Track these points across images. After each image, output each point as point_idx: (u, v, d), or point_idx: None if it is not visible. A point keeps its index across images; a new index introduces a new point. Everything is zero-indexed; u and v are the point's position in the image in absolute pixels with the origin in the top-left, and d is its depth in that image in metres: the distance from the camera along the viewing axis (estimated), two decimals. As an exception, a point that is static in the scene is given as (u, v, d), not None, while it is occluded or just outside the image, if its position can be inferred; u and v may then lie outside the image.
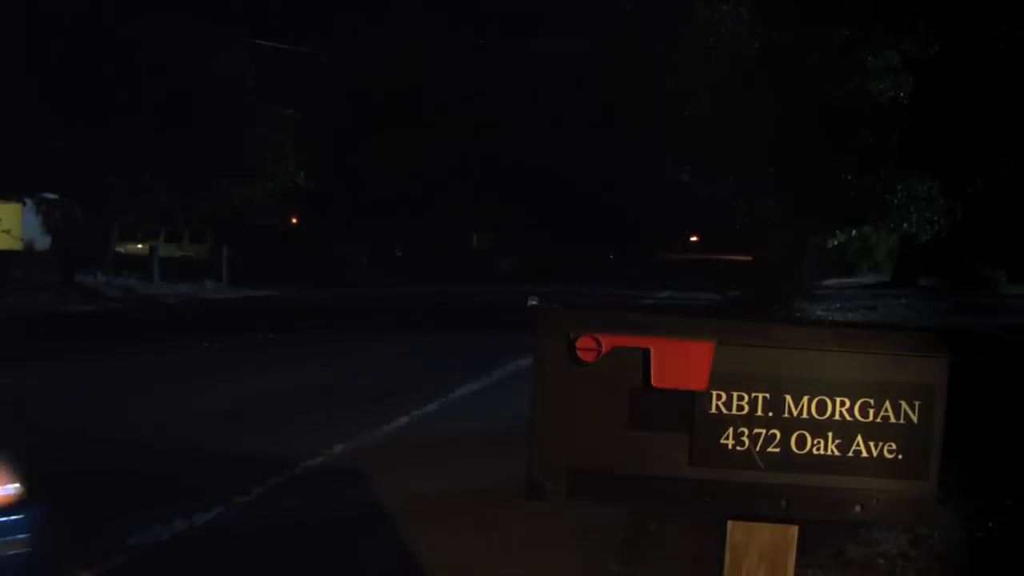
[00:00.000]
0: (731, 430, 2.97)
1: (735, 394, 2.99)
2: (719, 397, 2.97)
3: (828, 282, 32.67)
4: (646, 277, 32.72)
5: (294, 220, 37.99)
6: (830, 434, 3.72)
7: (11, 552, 3.10)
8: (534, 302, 3.05)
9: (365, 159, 33.47)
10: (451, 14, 30.21)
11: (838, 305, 23.11)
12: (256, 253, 32.99)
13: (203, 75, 25.10)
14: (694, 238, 46.38)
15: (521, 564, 5.44)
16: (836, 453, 3.81)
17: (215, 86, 25.38)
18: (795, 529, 3.03)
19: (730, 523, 2.97)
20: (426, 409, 9.67)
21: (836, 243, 27.69)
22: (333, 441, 7.98)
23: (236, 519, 6.12)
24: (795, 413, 3.20)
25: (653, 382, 2.85)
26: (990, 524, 5.73)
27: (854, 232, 26.50)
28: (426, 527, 5.90)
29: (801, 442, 3.18)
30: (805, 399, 3.68)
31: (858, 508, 3.35)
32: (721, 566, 2.84)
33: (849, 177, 23.39)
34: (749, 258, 28.05)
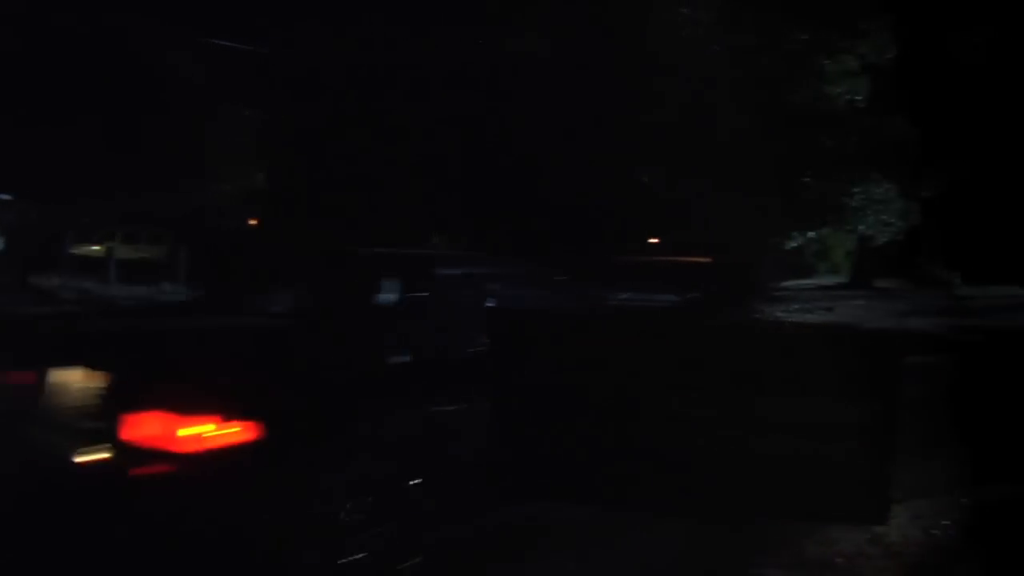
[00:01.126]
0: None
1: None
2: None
3: (787, 283, 32.91)
4: (606, 279, 32.80)
5: (252, 221, 37.70)
6: (787, 432, 3.76)
7: None
8: (491, 304, 3.07)
9: (326, 160, 33.31)
10: (417, 14, 30.13)
11: (796, 306, 23.28)
12: (215, 255, 32.69)
13: (161, 75, 24.88)
14: (654, 240, 46.67)
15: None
16: (792, 451, 3.86)
17: (174, 86, 25.16)
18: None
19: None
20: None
21: (795, 245, 27.92)
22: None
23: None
24: (755, 411, 3.25)
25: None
26: (946, 522, 5.81)
27: (812, 234, 26.73)
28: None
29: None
30: (766, 398, 3.73)
31: (813, 505, 3.40)
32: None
33: (807, 180, 23.61)
34: (709, 260, 28.16)
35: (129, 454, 4.01)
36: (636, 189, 26.26)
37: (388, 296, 5.28)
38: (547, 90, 25.08)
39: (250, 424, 4.14)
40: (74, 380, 4.51)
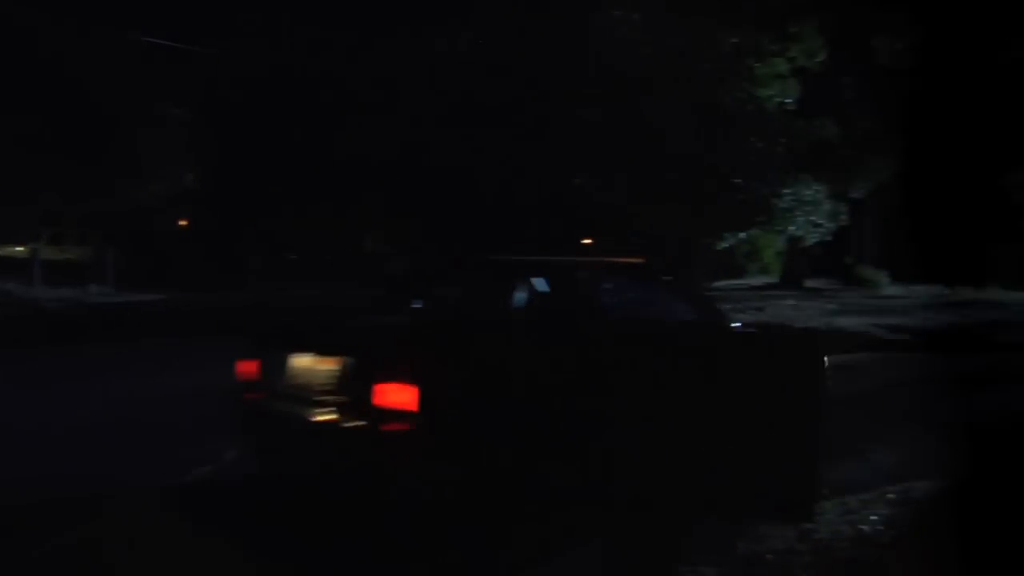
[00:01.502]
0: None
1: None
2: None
3: (718, 284, 33.21)
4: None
5: (182, 222, 37.13)
6: (713, 431, 3.77)
7: None
8: (418, 306, 3.06)
9: (257, 160, 32.94)
10: (351, 16, 29.91)
11: (728, 307, 23.46)
12: (145, 256, 32.18)
13: (90, 73, 24.40)
14: (587, 241, 46.89)
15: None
16: (718, 450, 3.87)
17: (102, 84, 24.70)
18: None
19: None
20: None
21: (725, 245, 28.22)
22: (223, 448, 7.79)
23: (119, 532, 5.94)
24: (680, 411, 3.27)
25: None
26: (873, 517, 5.87)
27: (743, 235, 27.03)
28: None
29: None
30: (691, 398, 3.75)
31: (740, 503, 3.42)
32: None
33: (738, 181, 23.85)
34: (641, 260, 28.38)
35: (380, 414, 5.30)
36: (569, 191, 26.32)
37: (523, 296, 6.38)
38: (480, 90, 25.03)
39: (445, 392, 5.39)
40: (306, 364, 6.03)
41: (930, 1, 25.15)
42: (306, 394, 5.90)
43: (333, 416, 5.62)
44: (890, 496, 6.38)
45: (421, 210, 35.83)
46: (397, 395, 5.28)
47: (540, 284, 6.57)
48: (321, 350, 5.96)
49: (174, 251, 34.36)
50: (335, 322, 7.56)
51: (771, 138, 24.08)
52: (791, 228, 25.69)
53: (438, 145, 27.95)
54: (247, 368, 6.85)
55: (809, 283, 33.99)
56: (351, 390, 5.55)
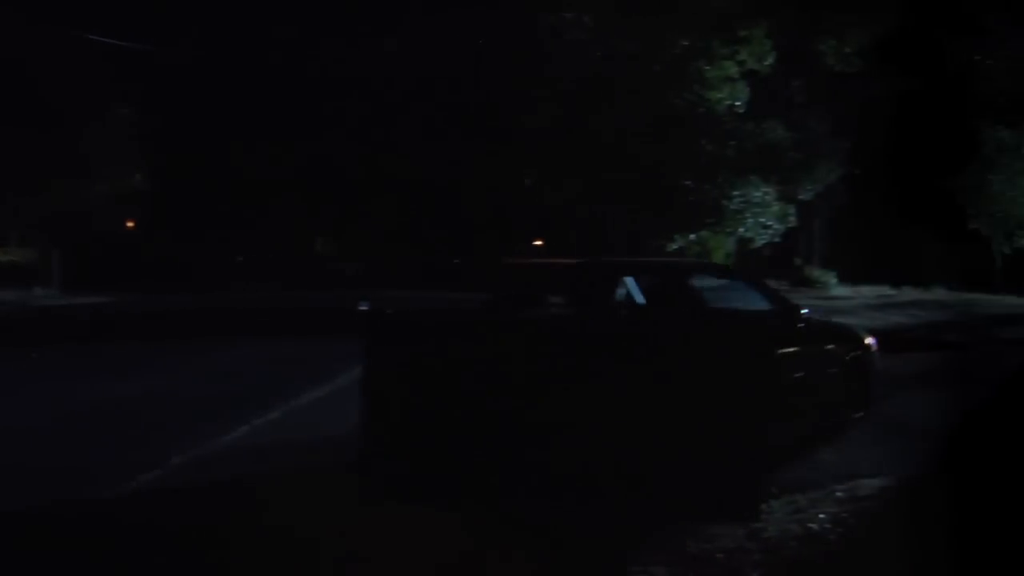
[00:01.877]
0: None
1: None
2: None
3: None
4: (492, 281, 32.72)
5: (129, 224, 36.65)
6: (659, 430, 3.79)
7: None
8: (364, 308, 3.05)
9: (207, 162, 32.61)
10: (299, 12, 29.68)
11: (679, 307, 23.63)
12: (92, 258, 31.73)
13: (35, 71, 24.01)
14: (538, 242, 46.93)
15: None
16: (665, 450, 3.88)
17: (49, 83, 24.31)
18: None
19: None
20: (269, 417, 9.43)
21: (675, 247, 28.38)
22: (171, 453, 7.70)
23: (65, 537, 5.84)
24: (627, 411, 3.28)
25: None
26: (821, 516, 5.92)
27: (693, 236, 27.20)
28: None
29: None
30: (637, 398, 3.76)
31: (687, 504, 3.44)
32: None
33: (688, 183, 23.99)
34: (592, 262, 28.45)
35: None
36: (519, 191, 26.34)
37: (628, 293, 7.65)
38: (430, 92, 24.96)
39: None
40: None
41: (877, 5, 25.43)
42: None
43: None
44: (839, 495, 6.44)
45: (372, 213, 35.68)
46: None
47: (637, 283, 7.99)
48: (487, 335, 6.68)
49: (121, 253, 33.91)
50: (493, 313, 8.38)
51: (721, 140, 24.25)
52: (741, 229, 25.90)
53: (387, 146, 27.83)
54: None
55: (758, 284, 34.22)
56: None
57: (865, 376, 9.11)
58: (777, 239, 27.71)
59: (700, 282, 8.56)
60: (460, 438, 5.36)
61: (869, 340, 9.55)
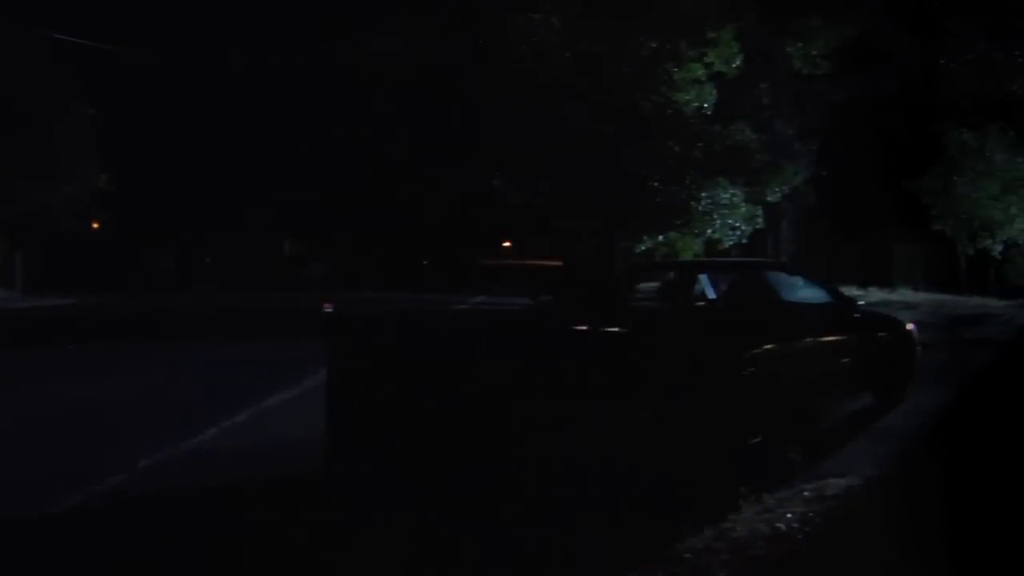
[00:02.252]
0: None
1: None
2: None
3: (637, 286, 33.46)
4: (460, 283, 32.75)
5: (95, 225, 36.32)
6: (626, 431, 3.79)
7: None
8: (329, 310, 3.02)
9: (173, 163, 32.38)
10: (267, 17, 29.55)
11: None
12: (56, 259, 31.41)
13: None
14: (507, 244, 46.96)
15: None
16: (633, 450, 3.88)
17: (13, 83, 24.04)
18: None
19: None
20: (236, 419, 9.36)
21: (644, 248, 28.46)
22: (137, 456, 7.62)
23: (28, 542, 5.77)
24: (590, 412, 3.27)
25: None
26: (789, 515, 5.95)
27: (661, 237, 27.28)
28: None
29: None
30: (599, 399, 3.75)
31: (653, 503, 3.43)
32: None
33: (656, 184, 24.05)
34: (560, 263, 28.48)
35: None
36: (488, 193, 26.33)
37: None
38: (400, 93, 24.90)
39: None
40: None
41: (843, 9, 25.63)
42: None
43: None
44: (806, 494, 6.47)
45: (340, 214, 35.56)
46: None
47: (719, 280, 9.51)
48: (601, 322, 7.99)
49: (86, 254, 33.60)
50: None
51: (689, 142, 24.33)
52: (709, 231, 25.98)
53: (355, 148, 27.74)
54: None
55: (726, 285, 34.38)
56: None
57: (910, 355, 10.97)
58: (745, 240, 27.84)
59: (774, 279, 9.68)
60: (423, 443, 5.33)
61: (910, 326, 11.46)
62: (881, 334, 10.63)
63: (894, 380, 10.54)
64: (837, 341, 9.53)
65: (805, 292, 9.90)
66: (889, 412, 9.83)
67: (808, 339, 8.98)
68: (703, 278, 9.74)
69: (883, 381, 10.31)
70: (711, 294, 9.39)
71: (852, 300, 10.37)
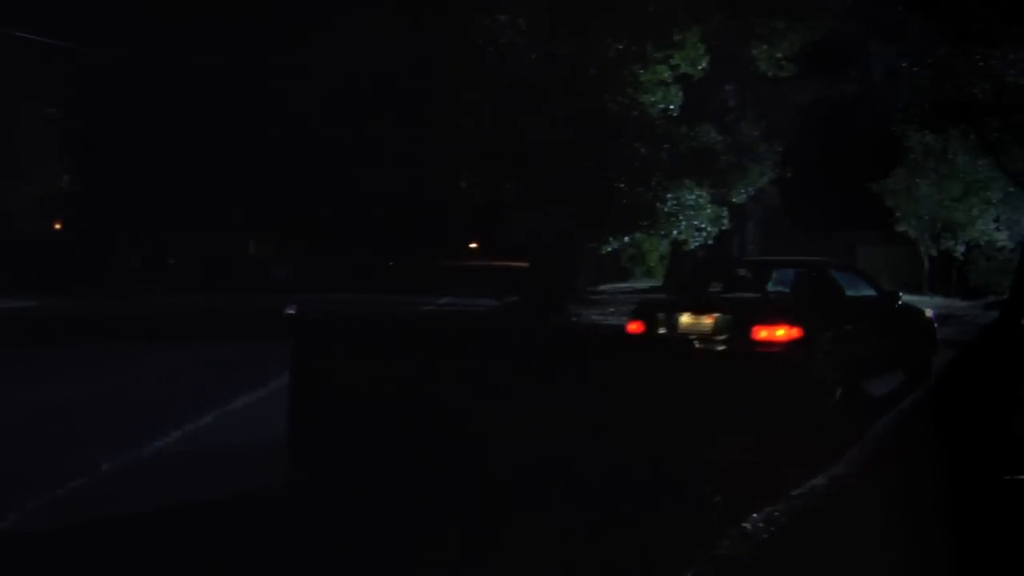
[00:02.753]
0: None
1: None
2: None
3: (603, 287, 33.62)
4: (426, 284, 32.72)
5: (57, 226, 35.94)
6: (592, 433, 3.79)
7: None
8: (291, 312, 3.00)
9: (137, 164, 32.07)
10: (231, 16, 29.32)
11: (612, 309, 23.77)
12: (17, 261, 31.01)
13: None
14: (473, 245, 46.90)
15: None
16: (602, 452, 3.88)
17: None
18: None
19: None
20: (201, 422, 9.29)
21: (610, 249, 28.53)
22: (100, 459, 7.54)
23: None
24: (560, 414, 3.27)
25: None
26: (755, 515, 5.97)
27: (627, 239, 27.35)
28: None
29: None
30: (574, 401, 3.77)
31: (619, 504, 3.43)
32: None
33: (622, 186, 24.09)
34: (526, 265, 28.49)
35: (754, 344, 9.54)
36: (454, 194, 26.26)
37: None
38: (364, 92, 24.79)
39: (798, 328, 9.67)
40: (688, 319, 10.41)
41: (807, 13, 25.82)
42: (691, 335, 10.05)
43: (717, 348, 9.73)
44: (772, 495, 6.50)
45: (305, 216, 35.38)
46: (776, 332, 9.66)
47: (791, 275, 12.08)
48: (699, 311, 10.48)
49: (48, 255, 33.20)
50: (697, 296, 12.10)
51: (655, 144, 24.38)
52: (674, 232, 26.07)
53: (320, 148, 27.59)
54: (635, 326, 10.92)
55: (692, 286, 34.52)
56: (730, 331, 9.95)
57: (933, 335, 13.54)
58: (711, 241, 27.98)
59: (838, 276, 11.74)
60: (385, 447, 5.30)
61: (930, 314, 13.93)
62: (913, 321, 13.10)
63: (921, 359, 13.02)
64: (886, 326, 12.02)
65: (859, 287, 12.07)
66: (919, 387, 12.10)
67: (868, 324, 11.45)
68: (775, 274, 12.53)
69: (914, 360, 12.80)
70: (783, 287, 12.08)
71: (894, 293, 12.57)
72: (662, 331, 10.47)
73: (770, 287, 12.22)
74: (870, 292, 12.07)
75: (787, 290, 11.90)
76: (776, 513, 5.98)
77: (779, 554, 5.42)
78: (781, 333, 9.62)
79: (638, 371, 5.77)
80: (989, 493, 6.60)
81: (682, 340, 9.63)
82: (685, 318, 10.45)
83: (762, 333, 9.64)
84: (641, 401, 5.59)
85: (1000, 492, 6.74)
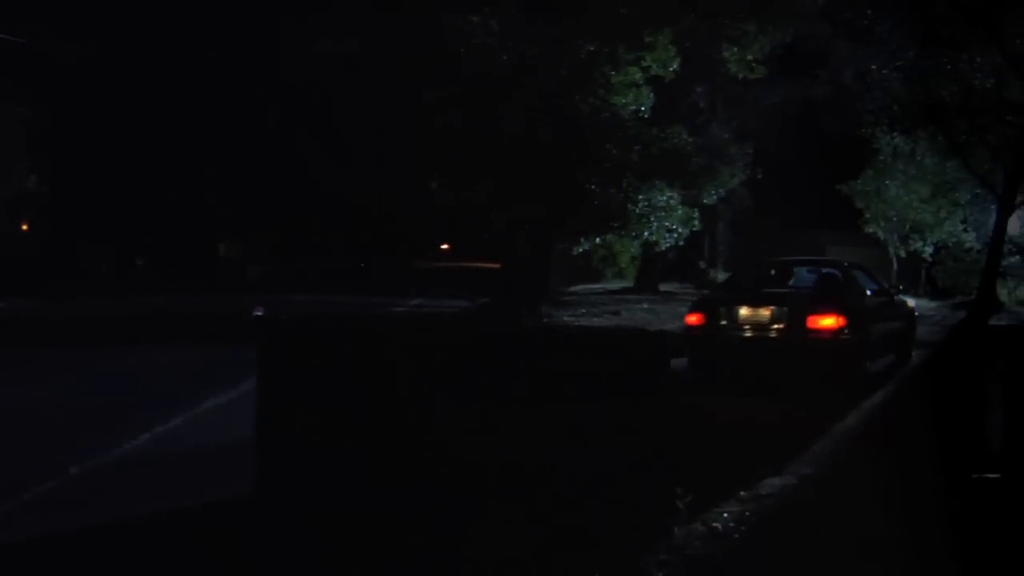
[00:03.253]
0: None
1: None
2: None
3: (575, 288, 33.64)
4: (398, 285, 32.61)
5: (24, 226, 35.58)
6: (559, 431, 3.79)
7: None
8: (259, 313, 2.99)
9: (105, 163, 31.82)
10: (198, 15, 29.16)
11: (583, 311, 23.78)
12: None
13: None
14: (445, 246, 46.86)
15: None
16: (568, 451, 3.87)
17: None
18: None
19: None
20: (171, 424, 9.22)
21: (581, 250, 28.56)
22: (68, 463, 7.46)
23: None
24: (533, 414, 3.27)
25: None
26: (725, 515, 6.00)
27: (599, 240, 27.40)
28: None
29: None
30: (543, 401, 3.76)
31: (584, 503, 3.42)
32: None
33: (593, 187, 24.13)
34: (497, 266, 28.48)
35: (810, 331, 11.85)
36: (425, 195, 26.21)
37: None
38: (334, 93, 24.71)
39: (844, 318, 11.93)
40: (747, 312, 12.54)
41: (777, 15, 25.97)
42: (751, 324, 12.35)
43: (775, 334, 12.10)
44: (742, 493, 6.52)
45: (275, 217, 35.23)
46: (827, 322, 11.83)
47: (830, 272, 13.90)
48: (756, 304, 12.52)
49: (15, 257, 32.85)
50: (750, 290, 13.67)
51: (626, 145, 24.44)
52: (646, 233, 26.15)
53: (289, 149, 27.47)
54: (695, 318, 12.92)
55: (663, 287, 34.72)
56: (787, 321, 12.09)
57: (915, 324, 16.40)
58: (682, 242, 28.09)
59: (855, 274, 14.16)
60: (353, 447, 5.28)
61: (912, 304, 16.90)
62: (904, 312, 15.45)
63: (907, 345, 15.51)
64: (889, 316, 14.20)
65: (867, 283, 14.31)
66: (904, 367, 14.66)
67: (880, 314, 13.67)
68: (799, 271, 14.99)
69: (902, 346, 15.09)
70: (805, 283, 14.28)
71: (892, 288, 15.51)
72: (724, 323, 12.55)
73: (792, 283, 14.61)
74: (875, 287, 14.47)
75: (810, 286, 13.92)
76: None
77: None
78: (831, 322, 11.89)
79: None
80: (957, 491, 6.66)
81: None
82: (744, 311, 12.55)
83: (818, 322, 11.91)
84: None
85: (967, 490, 6.81)
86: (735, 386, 11.86)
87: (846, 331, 11.92)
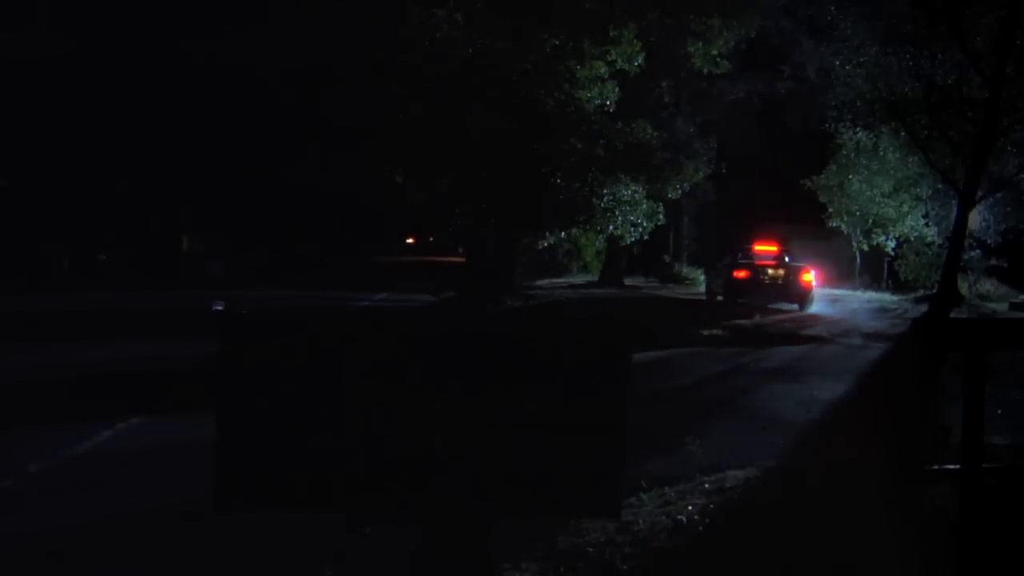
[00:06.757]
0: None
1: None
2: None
3: (540, 282, 33.64)
4: (362, 279, 32.46)
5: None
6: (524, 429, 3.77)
7: None
8: (219, 308, 2.93)
9: (68, 159, 31.44)
10: (158, 9, 28.85)
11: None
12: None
13: None
14: (410, 240, 46.76)
15: None
16: (529, 449, 3.85)
17: None
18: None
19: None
20: (132, 421, 9.10)
21: (546, 244, 28.55)
22: (26, 460, 7.34)
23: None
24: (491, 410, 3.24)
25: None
26: (690, 508, 6.00)
27: (564, 234, 27.40)
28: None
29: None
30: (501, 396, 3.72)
31: (547, 503, 3.42)
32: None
33: (558, 181, 24.12)
34: (462, 260, 28.41)
35: (802, 283, 25.28)
36: (390, 189, 26.11)
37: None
38: (298, 87, 24.54)
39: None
40: (770, 271, 25.36)
41: (741, 10, 26.11)
42: (769, 277, 24.85)
43: (780, 281, 24.86)
44: (706, 486, 6.53)
45: (245, 211, 34.99)
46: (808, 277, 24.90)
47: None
48: (776, 268, 25.26)
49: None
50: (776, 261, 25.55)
51: (591, 139, 24.45)
52: (610, 227, 26.19)
53: (253, 142, 27.26)
54: (740, 273, 24.98)
55: (628, 281, 34.84)
56: (787, 277, 24.85)
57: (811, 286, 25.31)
58: (646, 237, 28.18)
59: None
60: (315, 444, 5.20)
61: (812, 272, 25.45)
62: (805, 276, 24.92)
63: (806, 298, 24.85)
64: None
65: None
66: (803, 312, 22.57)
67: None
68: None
69: (802, 298, 24.64)
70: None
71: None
72: (761, 276, 24.67)
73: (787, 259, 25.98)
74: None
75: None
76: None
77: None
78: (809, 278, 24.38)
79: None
80: (914, 482, 6.69)
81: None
82: (771, 271, 24.88)
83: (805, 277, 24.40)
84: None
85: (925, 481, 6.84)
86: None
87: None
